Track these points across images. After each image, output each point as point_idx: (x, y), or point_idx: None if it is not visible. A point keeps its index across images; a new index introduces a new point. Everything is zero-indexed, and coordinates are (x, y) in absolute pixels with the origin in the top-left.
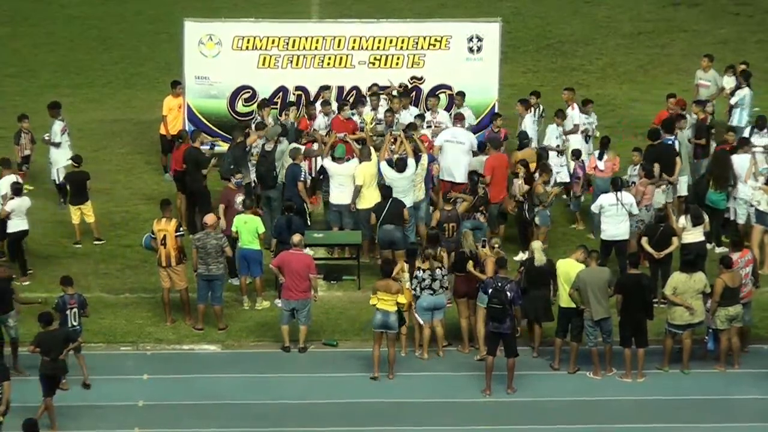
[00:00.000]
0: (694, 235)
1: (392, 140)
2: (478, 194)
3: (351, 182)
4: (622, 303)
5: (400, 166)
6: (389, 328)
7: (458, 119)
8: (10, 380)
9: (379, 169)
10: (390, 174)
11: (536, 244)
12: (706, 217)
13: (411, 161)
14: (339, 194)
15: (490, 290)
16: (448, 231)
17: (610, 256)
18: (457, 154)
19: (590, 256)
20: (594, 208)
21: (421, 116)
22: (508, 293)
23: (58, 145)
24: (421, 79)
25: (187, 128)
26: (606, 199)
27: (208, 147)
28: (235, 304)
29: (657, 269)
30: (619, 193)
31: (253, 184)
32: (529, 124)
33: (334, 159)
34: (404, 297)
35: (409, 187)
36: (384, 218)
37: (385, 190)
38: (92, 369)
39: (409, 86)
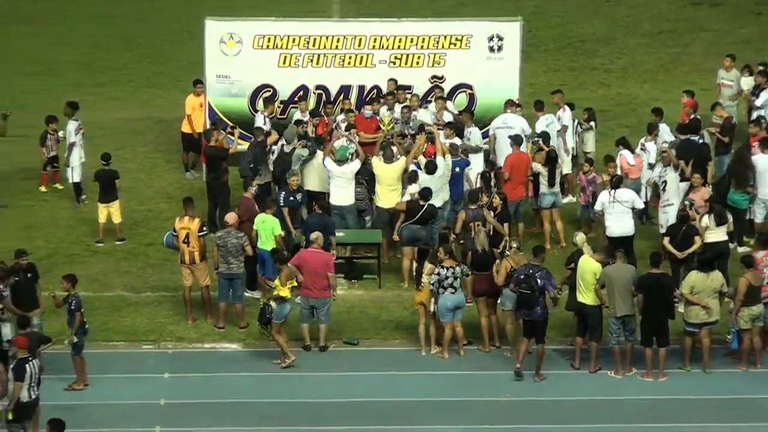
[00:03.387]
0: (717, 235)
1: (423, 141)
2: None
3: (351, 183)
4: (643, 302)
5: (430, 168)
6: (289, 314)
7: (510, 105)
8: (24, 382)
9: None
10: (420, 176)
11: (581, 238)
12: (730, 217)
13: (440, 161)
14: (339, 195)
15: (522, 276)
16: (474, 230)
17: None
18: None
19: (616, 253)
20: (596, 206)
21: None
22: (539, 280)
23: (72, 144)
24: (442, 78)
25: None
26: (604, 197)
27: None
28: (256, 303)
29: (679, 269)
30: (614, 191)
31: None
32: (542, 126)
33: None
34: (421, 295)
35: (439, 188)
36: (415, 220)
37: (424, 191)
38: (114, 367)
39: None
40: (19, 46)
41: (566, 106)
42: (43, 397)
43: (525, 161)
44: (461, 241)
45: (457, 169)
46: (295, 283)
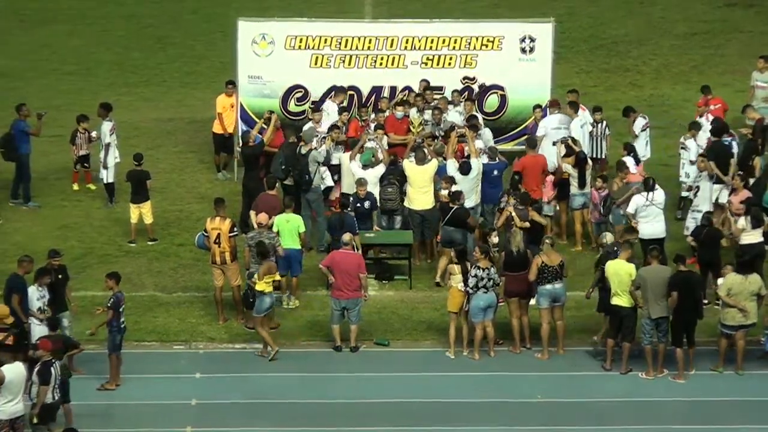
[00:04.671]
0: (753, 237)
1: (456, 140)
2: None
3: (376, 188)
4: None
5: (465, 168)
6: (272, 307)
7: (555, 105)
8: (49, 385)
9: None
10: (455, 176)
11: (609, 237)
12: (767, 219)
13: (475, 163)
14: None
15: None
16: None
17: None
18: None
19: (651, 254)
20: (629, 209)
21: (473, 116)
22: None
23: (108, 145)
24: (474, 79)
25: (242, 128)
26: (639, 200)
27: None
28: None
29: (707, 271)
30: (650, 193)
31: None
32: (576, 129)
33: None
34: (454, 296)
35: (471, 189)
36: (447, 221)
37: (454, 194)
38: (145, 367)
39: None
40: (54, 46)
41: (584, 107)
42: (75, 396)
43: (540, 163)
44: (496, 248)
45: (496, 172)
46: (277, 278)
